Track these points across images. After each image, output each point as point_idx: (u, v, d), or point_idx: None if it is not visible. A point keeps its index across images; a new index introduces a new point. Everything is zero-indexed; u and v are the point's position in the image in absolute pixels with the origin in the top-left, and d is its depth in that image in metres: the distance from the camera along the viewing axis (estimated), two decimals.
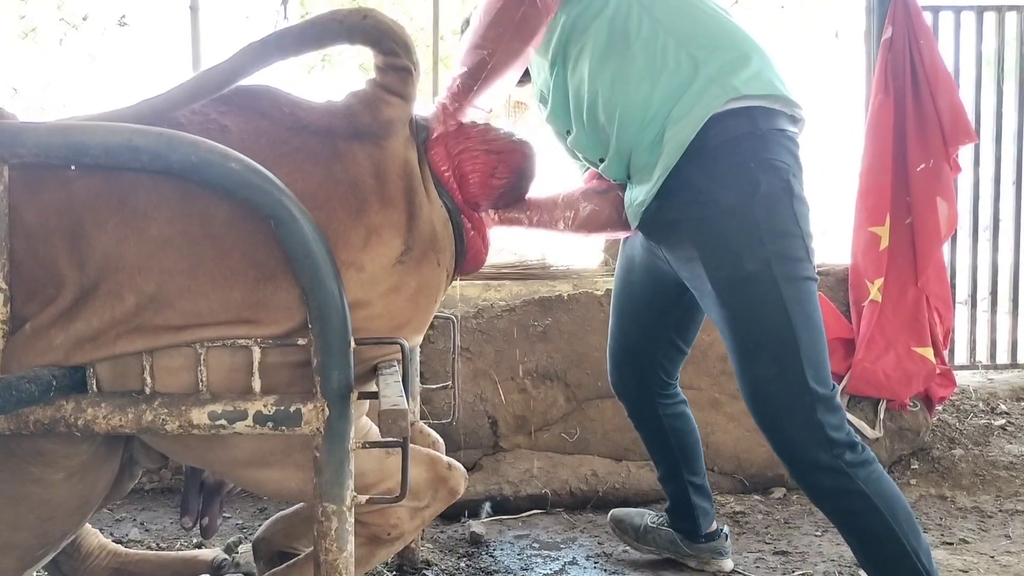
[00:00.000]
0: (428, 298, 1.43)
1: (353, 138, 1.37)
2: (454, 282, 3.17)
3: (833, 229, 3.76)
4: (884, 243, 3.16)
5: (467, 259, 1.55)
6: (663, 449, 2.25)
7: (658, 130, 1.68)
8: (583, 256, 3.80)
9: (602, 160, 1.84)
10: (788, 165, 1.67)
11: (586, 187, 1.89)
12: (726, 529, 2.31)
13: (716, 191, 1.66)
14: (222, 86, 1.32)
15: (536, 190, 1.70)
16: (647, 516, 2.37)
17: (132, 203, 1.21)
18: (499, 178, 1.55)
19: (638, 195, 1.76)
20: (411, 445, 1.37)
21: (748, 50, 1.70)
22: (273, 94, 1.40)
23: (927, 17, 3.31)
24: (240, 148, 1.18)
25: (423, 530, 2.37)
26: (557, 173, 2.15)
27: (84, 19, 3.96)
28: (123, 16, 3.92)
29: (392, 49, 1.41)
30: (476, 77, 1.58)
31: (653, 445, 2.28)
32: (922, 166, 3.16)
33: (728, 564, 2.27)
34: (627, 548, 2.42)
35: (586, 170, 2.03)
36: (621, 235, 2.00)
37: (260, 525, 2.13)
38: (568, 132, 1.89)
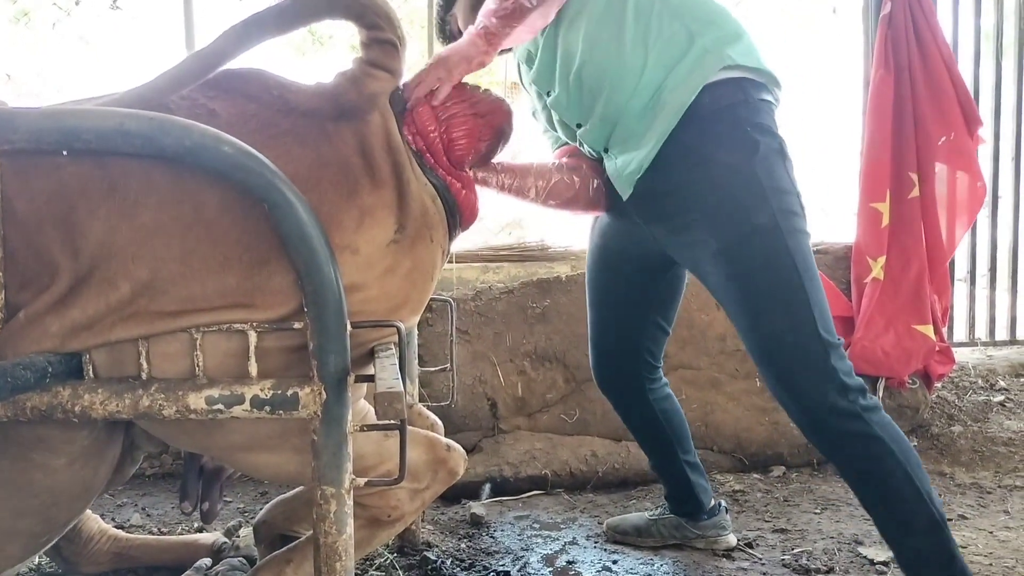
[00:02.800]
0: (424, 276, 1.43)
1: (340, 117, 1.36)
2: (452, 265, 3.18)
3: (831, 207, 3.76)
4: (885, 220, 3.15)
5: (464, 217, 1.55)
6: (657, 435, 2.24)
7: (650, 96, 1.73)
8: (581, 237, 3.79)
9: (580, 126, 1.85)
10: (776, 130, 1.76)
11: (559, 161, 1.89)
12: (724, 503, 2.32)
13: (718, 152, 1.70)
14: (207, 71, 1.31)
15: (509, 156, 1.72)
16: (644, 514, 2.37)
17: (123, 190, 1.21)
18: (483, 140, 1.56)
19: (628, 163, 1.78)
20: (409, 427, 1.37)
21: (738, 29, 1.77)
22: (262, 77, 1.39)
23: None
24: (229, 132, 1.17)
25: (423, 512, 2.38)
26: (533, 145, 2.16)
27: (76, 3, 3.93)
28: (115, 0, 3.90)
29: (375, 23, 1.40)
30: (515, 19, 1.61)
31: (646, 433, 2.27)
32: (943, 139, 3.15)
33: (732, 539, 2.28)
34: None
35: (559, 146, 2.03)
36: (588, 214, 1.99)
37: (261, 509, 2.14)
38: (548, 93, 1.89)
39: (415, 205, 1.39)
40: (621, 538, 2.34)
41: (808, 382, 1.70)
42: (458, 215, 1.54)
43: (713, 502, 2.29)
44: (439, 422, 2.02)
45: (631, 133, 1.76)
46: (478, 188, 1.64)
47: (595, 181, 1.89)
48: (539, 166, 1.81)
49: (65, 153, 1.19)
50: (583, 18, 1.76)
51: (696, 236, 1.74)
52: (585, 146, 1.90)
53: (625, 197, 1.82)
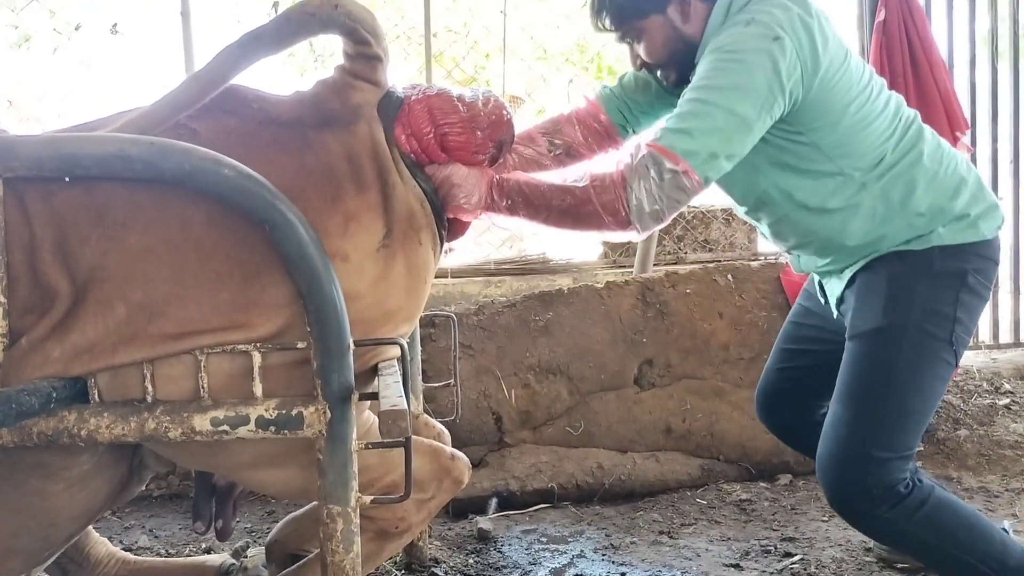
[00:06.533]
0: (417, 280, 1.43)
1: (323, 126, 1.38)
2: (453, 279, 3.19)
3: None
4: None
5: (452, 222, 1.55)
6: None
7: (861, 252, 1.76)
8: (582, 249, 3.80)
9: (748, 211, 1.88)
10: (971, 267, 1.72)
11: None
12: (1008, 525, 2.21)
13: (895, 258, 1.73)
14: (206, 93, 1.32)
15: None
16: None
17: (112, 214, 1.22)
18: (480, 153, 1.55)
19: (834, 288, 1.86)
20: (414, 438, 1.37)
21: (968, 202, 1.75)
22: (239, 92, 1.40)
23: None
24: (211, 148, 1.18)
25: (430, 527, 2.38)
26: None
27: (76, 29, 3.96)
28: (115, 24, 3.92)
29: (364, 38, 1.41)
30: (530, 206, 1.58)
31: None
32: None
33: None
34: (635, 539, 2.43)
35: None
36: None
37: (269, 528, 2.14)
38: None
39: (401, 208, 1.39)
40: (887, 554, 2.21)
41: (841, 479, 1.71)
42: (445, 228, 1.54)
43: None
44: (445, 431, 2.02)
45: (828, 263, 1.82)
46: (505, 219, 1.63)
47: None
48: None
49: (68, 179, 1.20)
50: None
51: (848, 323, 1.79)
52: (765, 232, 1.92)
53: (835, 317, 1.88)
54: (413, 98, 1.49)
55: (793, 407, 2.11)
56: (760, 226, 1.93)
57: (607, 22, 1.79)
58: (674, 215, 1.63)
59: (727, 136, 1.55)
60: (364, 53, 1.42)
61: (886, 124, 1.72)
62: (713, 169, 1.57)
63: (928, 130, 1.80)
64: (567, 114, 1.96)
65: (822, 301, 1.97)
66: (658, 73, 1.80)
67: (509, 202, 1.57)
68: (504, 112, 1.58)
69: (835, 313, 1.89)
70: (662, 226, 1.65)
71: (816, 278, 1.97)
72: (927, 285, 1.70)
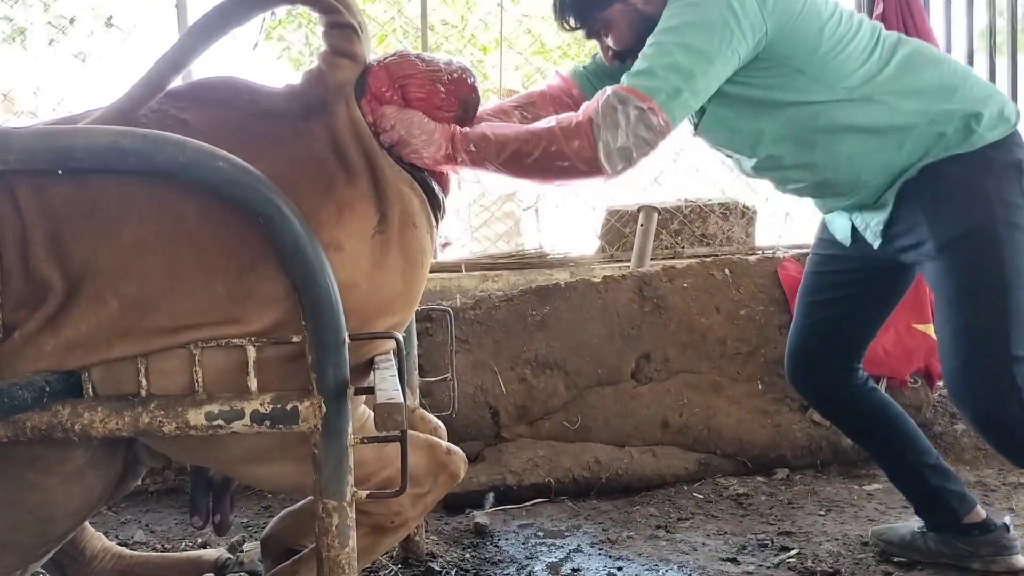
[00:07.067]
0: (413, 264, 1.42)
1: (310, 114, 1.37)
2: (450, 274, 3.18)
3: None
4: None
5: (441, 187, 1.54)
6: (870, 432, 2.14)
7: (891, 180, 1.80)
8: (580, 244, 3.80)
9: (758, 165, 1.88)
10: (1019, 158, 1.78)
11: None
12: (1009, 520, 2.06)
13: (948, 166, 1.75)
14: (177, 70, 1.32)
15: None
16: (913, 525, 2.16)
17: (104, 208, 1.22)
18: (444, 109, 1.53)
19: (871, 219, 1.87)
20: (410, 432, 1.37)
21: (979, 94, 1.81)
22: (232, 84, 1.39)
23: None
24: (201, 140, 1.18)
25: (427, 522, 2.38)
26: None
27: (71, 22, 3.95)
28: (110, 17, 3.91)
29: (332, 6, 1.40)
30: (492, 152, 1.54)
31: (859, 432, 2.19)
32: None
33: (1020, 560, 2.00)
34: (631, 534, 2.42)
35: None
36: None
37: (265, 523, 2.13)
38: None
39: (392, 192, 1.38)
40: (885, 547, 2.18)
41: (984, 388, 1.71)
42: (438, 194, 1.52)
43: (983, 516, 2.04)
44: (441, 425, 2.01)
45: (862, 198, 1.85)
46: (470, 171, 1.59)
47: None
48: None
49: (60, 172, 1.20)
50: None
51: (917, 238, 1.79)
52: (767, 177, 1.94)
53: (876, 247, 1.89)
54: (373, 66, 1.48)
55: (828, 363, 2.09)
56: (774, 179, 1.93)
57: (571, 20, 1.83)
58: (643, 159, 1.61)
59: (688, 71, 1.59)
60: (336, 22, 1.41)
61: (865, 42, 1.76)
62: (679, 106, 1.60)
63: (915, 41, 1.84)
64: (540, 91, 1.97)
65: (846, 241, 1.96)
66: (629, 60, 1.78)
67: (473, 149, 1.52)
68: (468, 75, 1.56)
69: (877, 243, 1.87)
70: (631, 170, 1.62)
71: (828, 222, 1.98)
72: (994, 181, 1.74)
